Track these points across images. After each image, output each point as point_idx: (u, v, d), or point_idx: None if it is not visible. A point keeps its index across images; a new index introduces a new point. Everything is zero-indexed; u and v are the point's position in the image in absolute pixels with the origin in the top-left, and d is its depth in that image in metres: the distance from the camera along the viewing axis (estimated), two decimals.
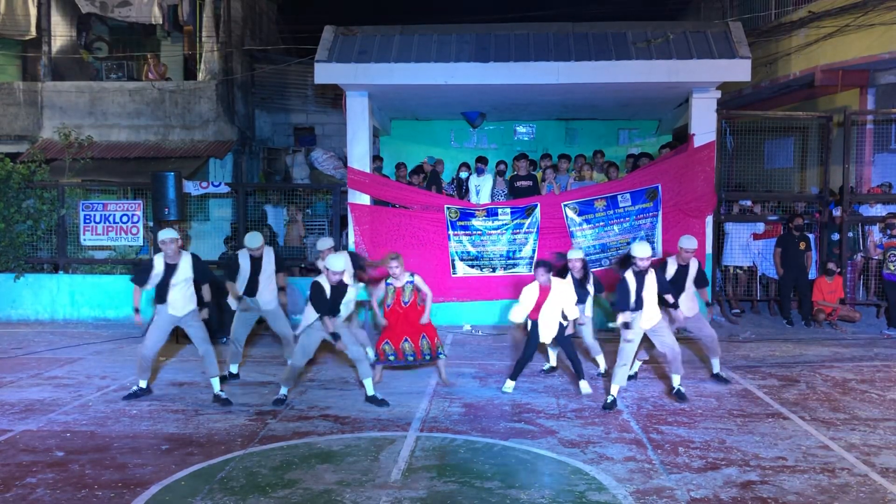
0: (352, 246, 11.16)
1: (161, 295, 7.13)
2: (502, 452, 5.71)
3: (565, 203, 10.99)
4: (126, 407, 6.90)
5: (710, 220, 10.97)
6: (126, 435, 6.09)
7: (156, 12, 14.81)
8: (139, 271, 7.30)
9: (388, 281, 7.71)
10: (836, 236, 11.40)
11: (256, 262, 7.96)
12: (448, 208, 11.07)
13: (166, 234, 7.14)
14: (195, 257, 7.32)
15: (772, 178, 13.28)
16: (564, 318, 7.35)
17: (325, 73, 10.77)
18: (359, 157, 11.22)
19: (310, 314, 7.04)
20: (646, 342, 7.25)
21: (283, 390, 7.12)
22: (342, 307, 7.10)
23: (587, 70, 10.50)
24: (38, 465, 5.39)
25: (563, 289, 7.34)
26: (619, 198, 10.95)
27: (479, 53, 10.74)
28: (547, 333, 7.32)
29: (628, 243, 10.94)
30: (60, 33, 15.60)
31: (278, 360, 8.56)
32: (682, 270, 7.49)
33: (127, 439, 5.98)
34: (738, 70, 10.39)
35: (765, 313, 11.93)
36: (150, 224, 11.80)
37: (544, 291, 7.25)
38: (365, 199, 11.22)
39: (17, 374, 8.18)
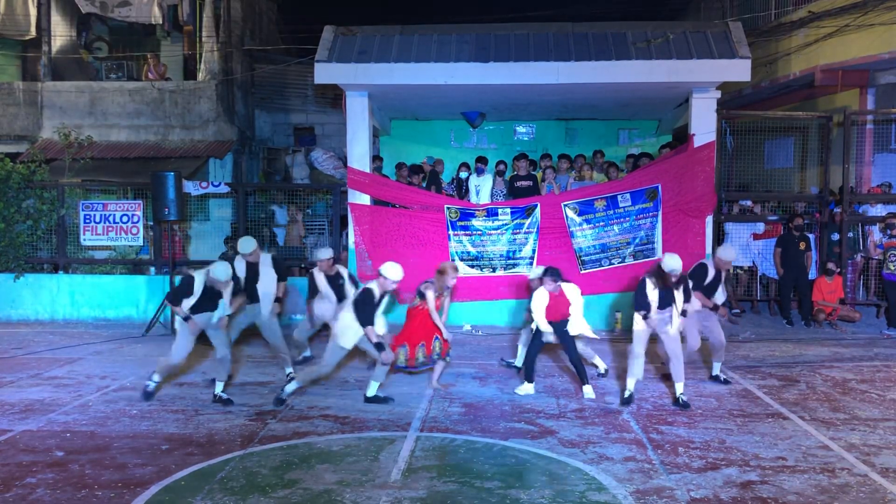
0: (352, 246, 11.17)
1: (209, 303, 6.98)
2: (502, 452, 5.71)
3: (565, 203, 10.99)
4: (126, 407, 6.90)
5: (710, 220, 10.97)
6: (126, 435, 6.09)
7: (156, 12, 14.82)
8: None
9: (428, 284, 7.51)
10: (835, 236, 11.40)
11: (252, 269, 7.75)
12: (448, 208, 11.07)
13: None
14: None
15: (772, 178, 13.29)
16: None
17: (325, 73, 10.77)
18: (359, 157, 11.22)
19: (349, 322, 6.81)
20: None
21: (291, 388, 7.00)
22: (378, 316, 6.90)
23: (587, 70, 10.50)
24: (38, 465, 5.39)
25: (572, 294, 7.37)
26: (619, 198, 10.95)
27: (479, 53, 10.74)
28: (586, 328, 7.34)
29: (628, 243, 10.98)
30: (60, 33, 15.60)
31: (278, 361, 8.54)
32: (718, 276, 7.68)
33: (127, 439, 5.98)
34: (738, 70, 10.39)
35: (765, 313, 11.94)
36: (150, 224, 11.83)
37: (553, 297, 7.27)
38: (365, 199, 11.22)
39: (17, 374, 8.18)
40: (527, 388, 7.36)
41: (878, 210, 11.51)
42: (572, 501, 4.77)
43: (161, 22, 15.00)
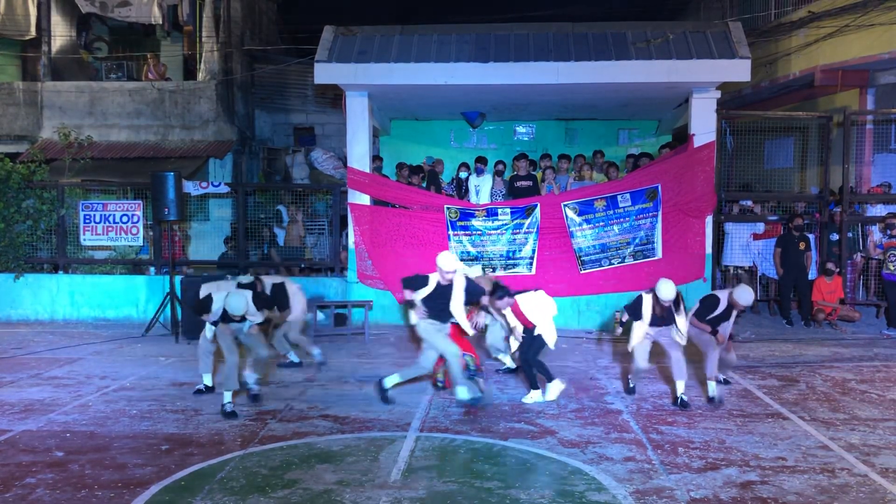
0: (352, 246, 11.17)
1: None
2: (502, 452, 5.71)
3: (565, 203, 10.99)
4: (126, 407, 6.90)
5: (710, 220, 10.98)
6: (126, 435, 6.09)
7: (156, 12, 14.82)
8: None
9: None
10: (835, 236, 11.40)
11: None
12: (448, 208, 11.08)
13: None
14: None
15: (772, 178, 13.29)
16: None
17: (325, 73, 10.78)
18: (358, 157, 11.23)
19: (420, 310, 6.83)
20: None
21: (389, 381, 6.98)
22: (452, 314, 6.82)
23: (587, 70, 10.51)
24: (38, 465, 5.39)
25: (535, 300, 7.22)
26: (619, 198, 10.95)
27: (479, 53, 10.75)
28: (551, 339, 7.24)
29: (628, 243, 10.98)
30: (60, 33, 15.60)
31: (278, 361, 8.55)
32: (728, 312, 7.22)
33: (127, 439, 5.98)
34: (738, 70, 10.39)
35: (765, 313, 11.94)
36: (150, 224, 11.83)
37: (515, 308, 7.14)
38: (365, 199, 11.22)
39: (17, 374, 8.18)
40: (532, 396, 7.18)
41: (878, 210, 11.51)
42: (572, 501, 4.77)
43: (161, 22, 15.01)
